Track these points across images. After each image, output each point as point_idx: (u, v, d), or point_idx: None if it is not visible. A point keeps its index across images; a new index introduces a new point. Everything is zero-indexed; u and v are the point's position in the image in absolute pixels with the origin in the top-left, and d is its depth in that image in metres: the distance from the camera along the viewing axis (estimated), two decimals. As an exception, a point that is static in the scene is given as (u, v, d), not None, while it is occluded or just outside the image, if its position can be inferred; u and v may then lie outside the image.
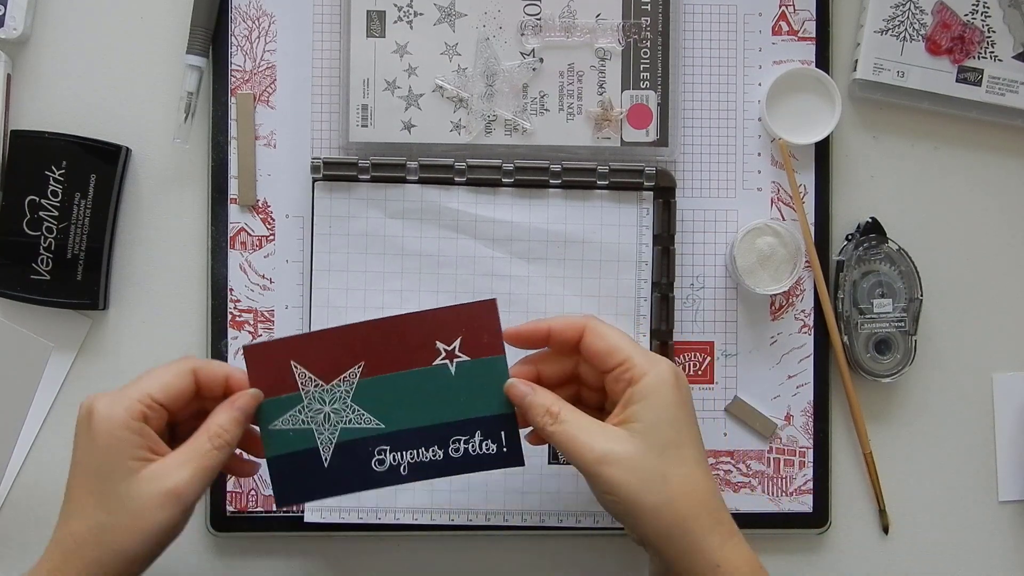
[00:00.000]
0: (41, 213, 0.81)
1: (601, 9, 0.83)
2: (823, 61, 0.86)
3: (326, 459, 0.72)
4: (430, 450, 0.72)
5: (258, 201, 0.84)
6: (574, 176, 0.83)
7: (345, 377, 0.71)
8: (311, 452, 0.72)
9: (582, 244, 0.83)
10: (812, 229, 0.85)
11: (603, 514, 0.82)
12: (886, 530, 0.87)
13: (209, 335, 0.84)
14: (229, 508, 0.84)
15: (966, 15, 0.85)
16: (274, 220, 0.84)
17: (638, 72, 0.83)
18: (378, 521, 0.82)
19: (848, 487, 0.87)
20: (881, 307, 0.85)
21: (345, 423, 0.71)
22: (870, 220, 0.86)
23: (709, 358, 0.85)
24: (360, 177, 0.82)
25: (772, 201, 0.86)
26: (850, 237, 0.86)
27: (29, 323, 0.84)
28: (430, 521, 0.82)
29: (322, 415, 0.71)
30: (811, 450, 0.86)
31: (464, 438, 0.72)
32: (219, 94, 0.84)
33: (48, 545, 0.66)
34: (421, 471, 0.72)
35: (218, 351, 0.84)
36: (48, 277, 0.82)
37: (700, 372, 0.85)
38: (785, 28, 0.86)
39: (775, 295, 0.85)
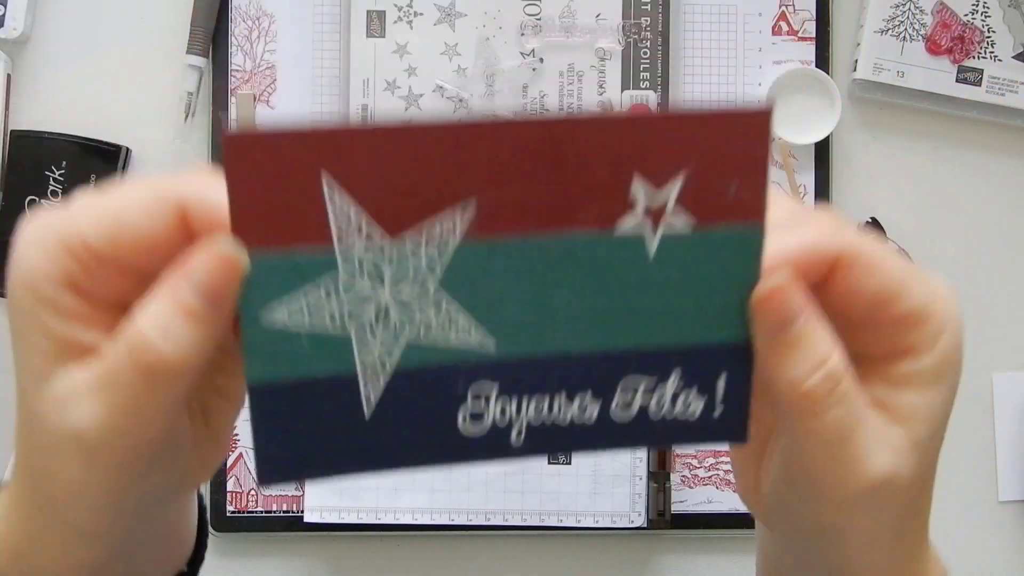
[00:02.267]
0: (41, 213, 0.81)
1: (601, 9, 0.83)
2: (823, 61, 0.86)
3: (370, 401, 0.35)
4: (576, 400, 0.36)
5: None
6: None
7: (434, 230, 0.34)
8: (340, 382, 0.35)
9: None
10: (812, 229, 0.85)
11: (603, 514, 0.82)
12: (886, 530, 0.86)
13: (209, 335, 0.84)
14: (229, 508, 0.84)
15: (966, 15, 0.85)
16: (274, 220, 0.84)
17: (638, 72, 0.83)
18: (378, 521, 0.82)
19: (848, 487, 0.87)
20: (881, 307, 0.85)
21: (419, 330, 0.35)
22: (870, 220, 0.86)
23: (709, 358, 0.85)
24: None
25: (772, 201, 0.86)
26: (850, 237, 0.86)
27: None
28: (430, 521, 0.82)
29: (374, 306, 0.34)
30: (811, 450, 0.85)
31: (647, 382, 0.36)
32: (219, 94, 0.84)
33: None
34: (551, 441, 0.36)
35: (218, 351, 0.84)
36: (48, 277, 0.82)
37: (700, 372, 0.85)
38: (785, 28, 0.86)
39: (775, 295, 0.85)
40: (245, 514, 0.84)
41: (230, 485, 0.84)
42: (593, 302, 0.35)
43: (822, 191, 0.86)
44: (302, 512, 0.83)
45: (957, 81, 0.86)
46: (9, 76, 0.83)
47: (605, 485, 0.83)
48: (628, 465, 0.83)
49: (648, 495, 0.83)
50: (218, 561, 0.85)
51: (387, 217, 0.33)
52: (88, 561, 0.38)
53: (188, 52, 0.83)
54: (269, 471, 0.35)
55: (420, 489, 0.82)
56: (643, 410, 0.36)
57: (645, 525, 0.83)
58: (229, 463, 0.83)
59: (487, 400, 0.36)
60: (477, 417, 0.36)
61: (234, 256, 0.33)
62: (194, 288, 0.33)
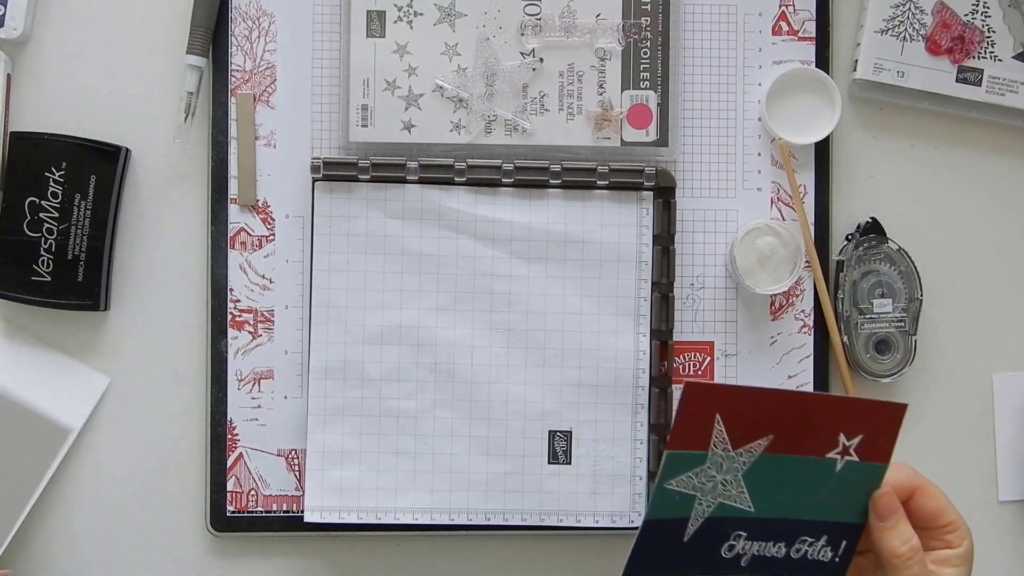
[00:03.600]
0: (41, 214, 0.81)
1: (601, 9, 0.83)
2: (823, 61, 0.86)
3: (689, 532, 0.66)
4: (776, 545, 0.67)
5: (258, 201, 0.84)
6: (574, 176, 0.83)
7: (750, 447, 0.65)
8: (680, 522, 0.66)
9: (582, 244, 0.83)
10: (812, 229, 0.85)
11: (603, 514, 0.83)
12: (886, 530, 0.87)
13: (209, 335, 0.84)
14: (229, 508, 0.84)
15: (966, 15, 0.85)
16: (274, 220, 0.84)
17: (638, 72, 0.83)
18: (378, 521, 0.82)
19: (848, 487, 0.87)
20: (881, 307, 0.85)
21: (725, 498, 0.66)
22: (870, 220, 0.86)
23: (709, 358, 0.85)
24: (360, 177, 0.82)
25: (772, 201, 0.86)
26: (850, 237, 0.86)
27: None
28: (430, 521, 0.82)
29: (712, 484, 0.65)
30: (811, 450, 0.86)
31: (811, 540, 0.67)
32: (219, 94, 0.84)
33: None
34: (761, 565, 0.67)
35: (218, 351, 0.84)
36: (49, 278, 0.82)
37: (700, 372, 0.85)
38: (785, 28, 0.86)
39: (775, 295, 0.85)
40: (245, 514, 0.84)
41: (230, 485, 0.84)
42: (802, 491, 0.66)
43: (822, 191, 0.86)
44: (302, 512, 0.83)
45: (957, 81, 0.86)
46: (9, 76, 0.83)
47: (605, 485, 0.83)
48: (628, 465, 0.83)
49: (648, 495, 0.83)
50: (218, 561, 0.85)
51: (736, 437, 0.64)
52: None
53: (188, 52, 0.83)
54: (635, 566, 0.65)
55: (420, 489, 0.82)
56: (805, 554, 0.68)
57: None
58: (229, 463, 0.84)
59: (739, 540, 0.67)
60: (730, 548, 0.67)
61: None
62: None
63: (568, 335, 0.83)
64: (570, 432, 0.83)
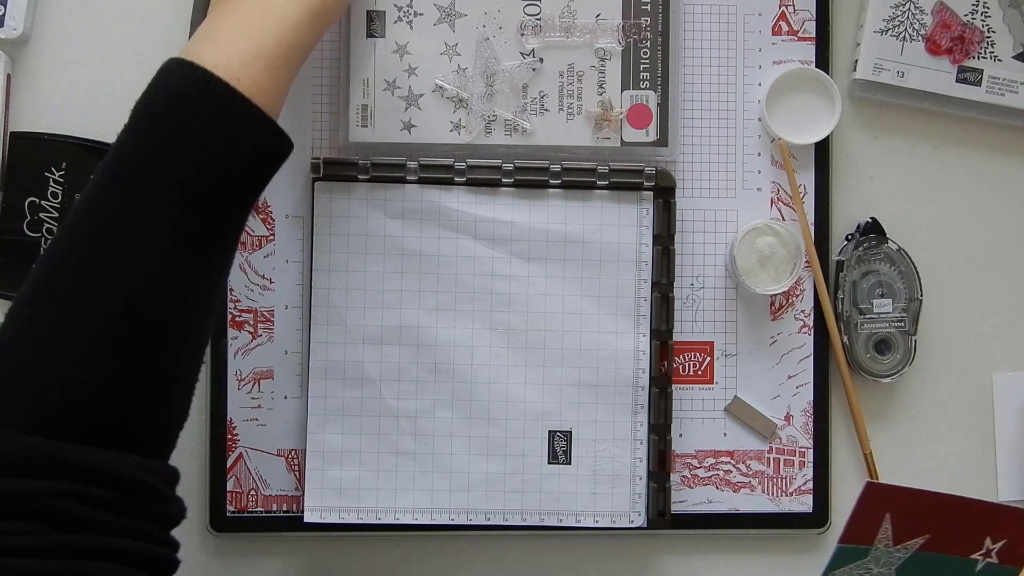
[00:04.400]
0: (41, 214, 0.81)
1: (601, 9, 0.83)
2: (823, 61, 0.86)
3: None
4: None
5: (258, 201, 0.84)
6: (574, 176, 0.83)
7: (908, 544, 0.70)
8: None
9: (582, 244, 0.83)
10: (812, 229, 0.85)
11: (603, 514, 0.83)
12: (886, 530, 0.87)
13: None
14: (229, 508, 0.84)
15: (966, 15, 0.85)
16: (274, 220, 0.84)
17: (638, 72, 0.83)
18: (378, 521, 0.82)
19: (848, 487, 0.87)
20: (881, 307, 0.85)
21: None
22: (870, 220, 0.86)
23: (709, 358, 0.86)
24: (360, 177, 0.82)
25: (772, 201, 0.86)
26: (850, 237, 0.86)
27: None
28: (430, 521, 0.82)
29: (861, 572, 0.72)
30: (811, 450, 0.86)
31: None
32: (219, 94, 0.84)
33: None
34: None
35: (218, 351, 0.84)
36: (48, 277, 0.82)
37: (700, 372, 0.85)
38: (785, 28, 0.86)
39: (775, 295, 0.85)
40: (245, 514, 0.84)
41: (230, 485, 0.84)
42: None
43: (822, 191, 0.86)
44: (302, 512, 0.83)
45: (957, 81, 0.86)
46: (9, 76, 0.83)
47: (605, 485, 0.83)
48: (628, 465, 0.83)
49: (648, 495, 0.83)
50: (218, 561, 0.85)
51: (897, 535, 0.69)
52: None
53: (188, 52, 0.83)
54: None
55: (420, 489, 0.82)
56: None
57: (645, 525, 0.83)
58: (229, 463, 0.84)
59: None
60: None
61: None
62: None
63: (568, 335, 0.83)
64: (570, 432, 0.83)
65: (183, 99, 0.62)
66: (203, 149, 0.61)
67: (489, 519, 0.83)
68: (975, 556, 0.70)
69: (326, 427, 0.82)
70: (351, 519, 0.82)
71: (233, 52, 0.63)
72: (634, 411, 0.83)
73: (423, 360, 0.82)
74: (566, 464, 0.83)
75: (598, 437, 0.83)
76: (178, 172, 0.61)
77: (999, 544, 0.69)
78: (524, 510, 0.83)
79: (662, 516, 0.82)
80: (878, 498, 0.67)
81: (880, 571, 0.69)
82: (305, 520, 0.82)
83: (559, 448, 0.83)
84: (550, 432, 0.83)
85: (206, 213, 0.62)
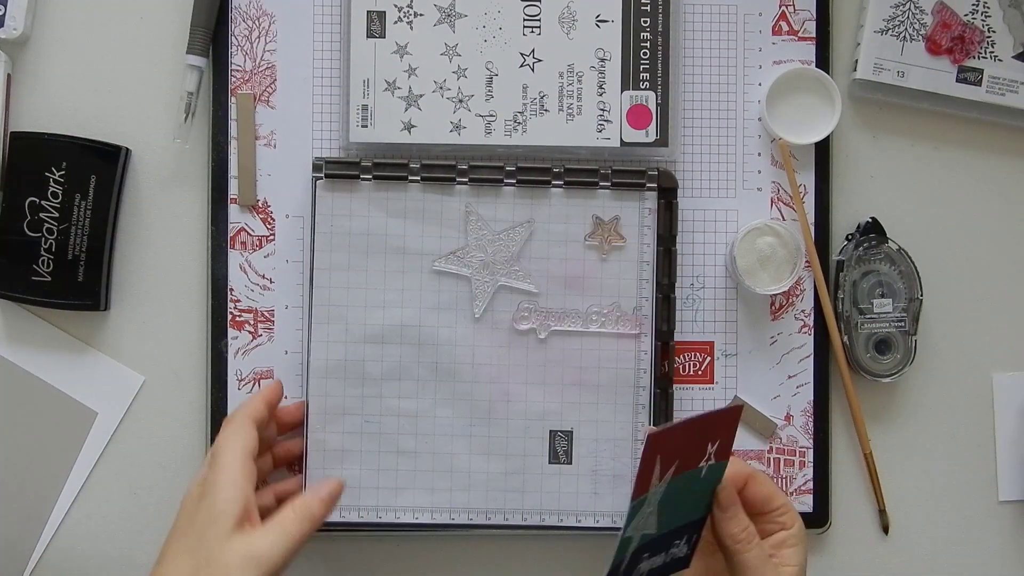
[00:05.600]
0: (41, 214, 0.81)
1: (601, 9, 0.83)
2: (823, 61, 0.86)
3: (622, 570, 0.70)
4: (660, 554, 0.72)
5: (258, 201, 0.84)
6: (576, 176, 0.83)
7: (666, 476, 0.68)
8: (618, 564, 0.70)
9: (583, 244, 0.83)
10: (812, 229, 0.85)
11: (604, 514, 0.83)
12: (886, 530, 0.87)
13: (209, 335, 0.84)
14: (229, 508, 0.84)
15: (966, 15, 0.85)
16: (274, 220, 0.84)
17: (638, 72, 0.83)
18: (378, 520, 0.82)
19: (848, 487, 0.87)
20: (881, 307, 0.85)
21: (646, 527, 0.69)
22: (870, 220, 0.86)
23: (709, 358, 0.86)
24: (362, 177, 0.82)
25: (772, 201, 0.86)
26: (850, 237, 0.86)
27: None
28: (431, 520, 0.82)
29: (643, 519, 0.69)
30: (811, 450, 0.86)
31: (679, 541, 0.73)
32: (219, 94, 0.84)
33: None
34: (652, 573, 0.72)
35: (218, 351, 0.84)
36: (49, 278, 0.82)
37: (700, 372, 0.85)
38: (785, 28, 0.86)
39: (775, 295, 0.85)
40: (245, 514, 0.84)
41: (230, 485, 0.83)
42: (683, 502, 0.70)
43: (822, 191, 0.86)
44: (302, 512, 0.83)
45: (957, 81, 0.86)
46: (9, 76, 0.83)
47: (606, 485, 0.83)
48: (629, 465, 0.83)
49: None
50: (218, 561, 0.85)
51: (663, 471, 0.67)
52: None
53: (188, 52, 0.83)
54: None
55: (421, 488, 0.82)
56: (673, 555, 0.72)
57: None
58: (229, 463, 0.83)
59: (644, 560, 0.71)
60: (639, 572, 0.71)
61: (340, 486, 0.74)
62: (330, 495, 0.73)
63: (570, 335, 0.83)
64: (571, 432, 0.83)
65: None
66: None
67: (489, 518, 0.83)
68: (701, 464, 0.69)
69: (326, 426, 0.82)
70: (351, 518, 0.82)
71: None
72: (635, 411, 0.83)
73: (424, 359, 0.82)
74: (567, 464, 0.83)
75: (599, 437, 0.83)
76: None
77: (715, 445, 0.69)
78: (525, 509, 0.83)
79: None
80: (654, 445, 0.65)
81: (649, 510, 0.68)
82: (305, 520, 0.82)
83: (560, 448, 0.83)
84: (551, 432, 0.83)
85: None
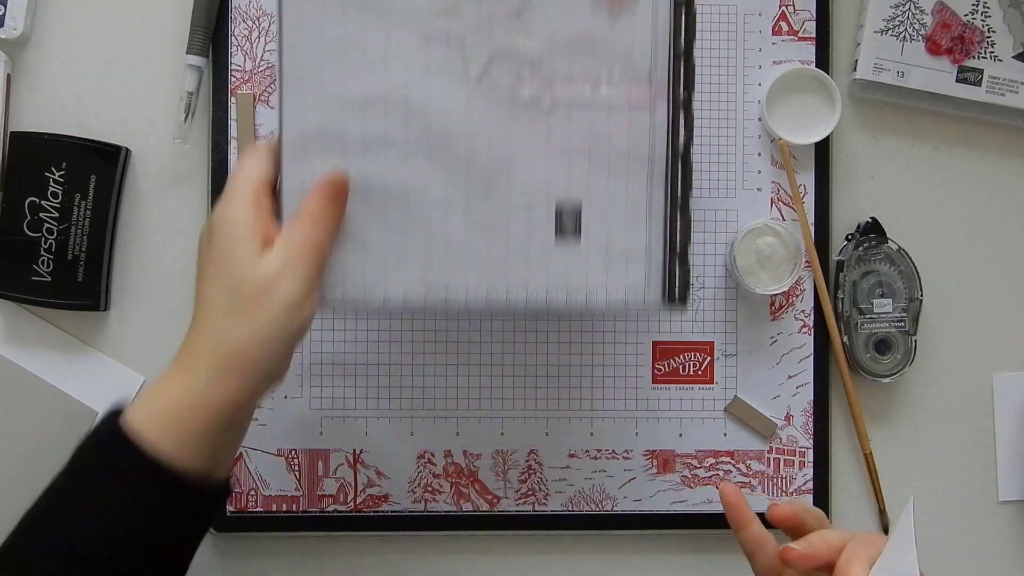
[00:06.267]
0: (41, 214, 0.81)
1: (601, 9, 0.83)
2: (823, 61, 0.86)
3: None
4: None
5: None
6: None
7: None
8: None
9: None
10: (812, 229, 0.85)
11: (617, 288, 0.73)
12: (886, 530, 0.87)
13: (209, 335, 0.84)
14: (229, 508, 0.84)
15: (966, 15, 0.85)
16: (274, 220, 0.84)
17: (638, 72, 0.83)
18: (364, 300, 0.73)
19: (848, 487, 0.87)
20: (881, 307, 0.85)
21: None
22: (870, 220, 0.86)
23: (709, 358, 0.86)
24: None
25: (772, 201, 0.86)
26: (850, 237, 0.86)
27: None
28: (423, 299, 0.72)
29: None
30: (811, 450, 0.86)
31: None
32: (219, 94, 0.84)
33: (185, 353, 0.68)
34: None
35: (218, 351, 0.84)
36: (49, 278, 0.82)
37: (700, 372, 0.85)
38: (785, 28, 0.86)
39: (775, 295, 0.85)
40: (245, 514, 0.84)
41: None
42: None
43: (822, 191, 0.86)
44: (302, 512, 0.82)
45: (957, 81, 0.86)
46: (9, 76, 0.83)
47: (618, 261, 0.73)
48: (642, 243, 0.74)
49: (665, 273, 0.74)
50: (218, 561, 0.85)
51: None
52: (263, 391, 0.67)
53: (188, 52, 0.83)
54: None
55: (413, 264, 0.72)
56: None
57: (661, 301, 0.74)
58: (229, 463, 0.83)
59: None
60: None
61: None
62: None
63: (577, 104, 0.73)
64: (579, 205, 0.73)
65: (95, 456, 0.65)
66: (106, 512, 0.63)
67: (490, 297, 0.73)
68: None
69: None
70: (336, 294, 0.72)
71: (156, 409, 0.66)
72: (650, 183, 0.73)
73: (412, 127, 0.72)
74: (575, 241, 0.73)
75: (610, 212, 0.73)
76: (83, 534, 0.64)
77: None
78: (529, 286, 0.73)
79: (681, 299, 0.74)
80: None
81: None
82: (303, 518, 0.82)
83: (568, 224, 0.74)
84: (557, 206, 0.73)
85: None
